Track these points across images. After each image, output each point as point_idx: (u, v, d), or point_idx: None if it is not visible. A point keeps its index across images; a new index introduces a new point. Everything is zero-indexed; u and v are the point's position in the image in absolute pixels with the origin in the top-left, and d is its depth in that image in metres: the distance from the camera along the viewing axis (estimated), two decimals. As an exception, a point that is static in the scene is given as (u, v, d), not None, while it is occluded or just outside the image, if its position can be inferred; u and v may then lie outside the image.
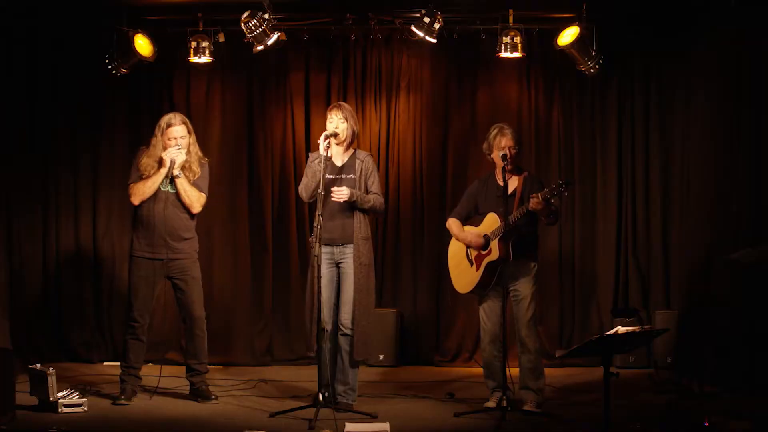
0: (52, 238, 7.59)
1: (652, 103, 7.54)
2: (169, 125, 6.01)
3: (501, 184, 5.87)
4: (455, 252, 6.08)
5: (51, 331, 7.54)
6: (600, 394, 4.78)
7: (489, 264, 5.79)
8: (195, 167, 6.08)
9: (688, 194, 7.27)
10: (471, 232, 5.98)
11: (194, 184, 6.09)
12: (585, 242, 7.62)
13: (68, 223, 7.63)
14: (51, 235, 7.59)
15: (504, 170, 5.75)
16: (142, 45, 7.13)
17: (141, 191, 5.97)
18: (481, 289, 5.89)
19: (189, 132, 6.07)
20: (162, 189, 6.00)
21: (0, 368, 5.43)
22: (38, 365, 5.96)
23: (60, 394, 5.80)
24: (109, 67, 7.15)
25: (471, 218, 6.10)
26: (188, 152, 6.04)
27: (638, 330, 4.74)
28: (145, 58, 7.18)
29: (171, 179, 6.00)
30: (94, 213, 7.62)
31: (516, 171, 5.92)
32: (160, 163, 5.97)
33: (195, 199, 6.07)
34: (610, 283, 7.58)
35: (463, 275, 5.99)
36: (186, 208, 6.08)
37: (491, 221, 5.83)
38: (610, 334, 4.59)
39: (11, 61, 7.32)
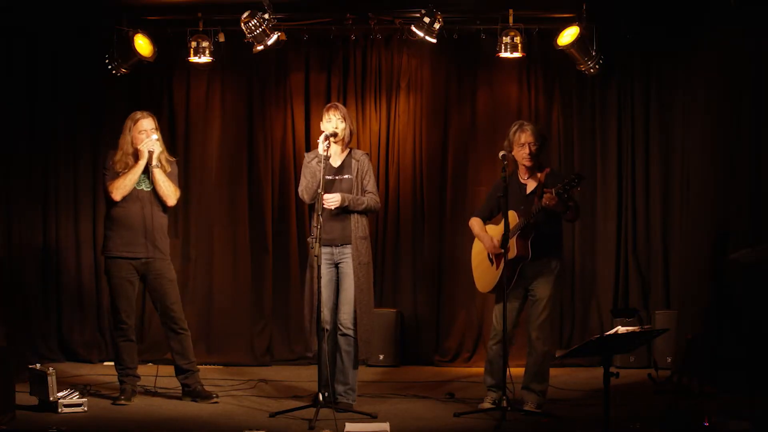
0: (52, 239, 7.59)
1: (652, 102, 7.54)
2: (137, 120, 6.02)
3: (523, 182, 5.83)
4: (478, 251, 6.03)
5: (51, 331, 7.54)
6: (600, 394, 4.77)
7: (507, 262, 5.68)
8: (165, 164, 6.08)
9: (688, 194, 7.27)
10: (490, 234, 5.92)
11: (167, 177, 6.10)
12: (585, 242, 7.62)
13: (68, 223, 7.62)
14: (51, 234, 7.59)
15: (504, 167, 5.67)
16: (142, 45, 7.13)
17: (123, 185, 5.94)
18: (501, 289, 5.75)
19: (157, 127, 6.08)
20: (137, 187, 5.99)
21: (0, 368, 5.43)
22: (38, 365, 5.97)
23: (60, 394, 5.80)
24: (109, 67, 7.16)
25: (494, 217, 6.03)
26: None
27: (638, 330, 4.73)
28: (145, 58, 7.18)
29: (147, 174, 5.98)
30: (94, 213, 7.61)
31: (537, 168, 5.86)
32: (137, 156, 5.97)
33: (172, 191, 6.07)
34: (610, 283, 7.58)
35: (484, 274, 5.95)
36: (162, 206, 6.07)
37: (510, 219, 5.71)
38: (610, 334, 4.59)
39: (11, 61, 7.32)
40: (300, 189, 5.96)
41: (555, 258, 5.79)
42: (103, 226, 6.19)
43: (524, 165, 5.84)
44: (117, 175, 5.97)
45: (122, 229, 5.99)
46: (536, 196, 5.68)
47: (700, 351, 6.28)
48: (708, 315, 6.63)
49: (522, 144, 5.79)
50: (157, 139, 6.00)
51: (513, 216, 5.74)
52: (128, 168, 5.97)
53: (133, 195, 5.98)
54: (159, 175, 6.00)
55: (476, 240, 6.05)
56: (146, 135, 5.97)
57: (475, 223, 6.03)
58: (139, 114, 6.06)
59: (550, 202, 5.51)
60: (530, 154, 5.78)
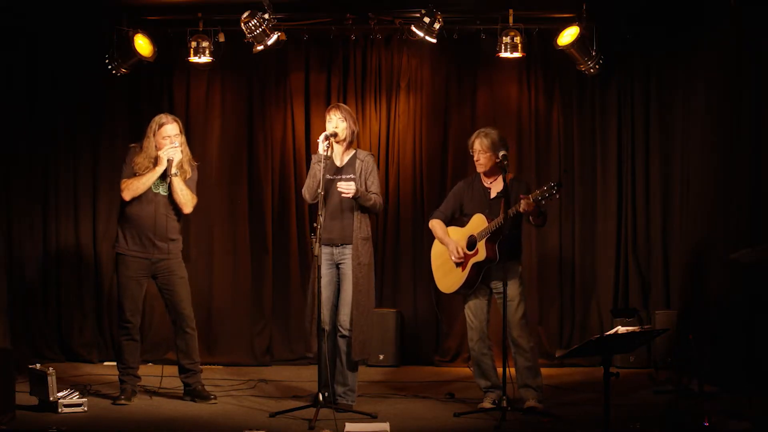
0: (52, 238, 7.59)
1: (652, 103, 7.55)
2: (161, 124, 5.99)
3: (487, 186, 5.90)
4: (439, 253, 6.06)
5: (51, 331, 7.54)
6: (600, 394, 4.78)
7: (475, 264, 5.78)
8: (186, 167, 6.07)
9: (688, 194, 7.27)
10: (453, 238, 5.93)
11: (186, 184, 6.08)
12: (585, 242, 7.62)
13: (68, 223, 7.63)
14: (51, 235, 7.59)
15: (505, 167, 5.70)
16: (142, 45, 7.13)
17: (135, 187, 5.93)
18: (467, 289, 5.88)
19: (181, 131, 6.06)
20: (153, 190, 5.98)
21: (0, 368, 5.44)
22: (38, 365, 5.96)
23: (60, 394, 5.80)
24: (109, 67, 7.16)
25: (455, 219, 6.07)
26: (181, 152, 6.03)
27: (638, 330, 4.74)
28: (145, 58, 7.18)
29: (164, 178, 5.96)
30: (94, 213, 7.62)
31: (501, 172, 5.88)
32: (156, 161, 5.96)
33: (189, 199, 6.05)
34: (610, 283, 7.58)
35: (448, 275, 5.98)
36: (176, 211, 6.06)
37: (478, 222, 5.82)
38: (610, 334, 4.59)
39: (11, 61, 7.32)
40: (303, 189, 5.97)
41: (518, 261, 5.92)
42: (117, 221, 6.19)
43: (481, 172, 5.91)
44: (133, 175, 5.96)
45: (134, 228, 5.98)
46: (503, 202, 5.68)
47: (701, 351, 6.28)
48: (707, 315, 6.64)
49: (475, 151, 5.86)
50: (179, 146, 5.95)
51: (481, 219, 5.80)
52: (145, 172, 5.95)
53: (148, 197, 5.97)
54: (177, 184, 5.97)
55: (436, 242, 6.09)
56: (170, 141, 5.94)
57: (437, 225, 6.05)
58: (164, 118, 6.02)
59: (528, 208, 5.58)
60: (476, 160, 5.86)
